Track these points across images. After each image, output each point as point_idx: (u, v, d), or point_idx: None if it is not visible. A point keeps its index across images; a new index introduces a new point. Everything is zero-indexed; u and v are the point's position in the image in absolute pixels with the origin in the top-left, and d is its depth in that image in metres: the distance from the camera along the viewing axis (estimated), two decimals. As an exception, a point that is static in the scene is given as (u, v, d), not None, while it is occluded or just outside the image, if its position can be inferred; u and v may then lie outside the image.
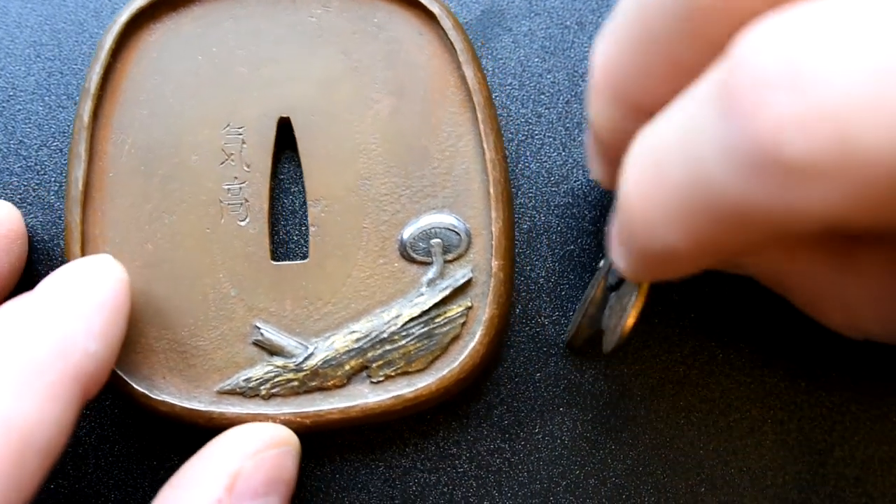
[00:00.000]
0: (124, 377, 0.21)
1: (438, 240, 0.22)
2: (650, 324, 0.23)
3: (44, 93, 0.23)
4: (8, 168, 0.23)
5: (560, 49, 0.24)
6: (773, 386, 0.23)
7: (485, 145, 0.22)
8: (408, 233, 0.22)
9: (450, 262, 0.22)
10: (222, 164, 0.22)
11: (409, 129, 0.22)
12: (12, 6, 0.23)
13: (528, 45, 0.24)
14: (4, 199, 0.22)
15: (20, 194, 0.23)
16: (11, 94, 0.23)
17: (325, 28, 0.22)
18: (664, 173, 0.13)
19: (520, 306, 0.23)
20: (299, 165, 0.22)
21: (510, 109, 0.23)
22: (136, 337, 0.21)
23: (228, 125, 0.22)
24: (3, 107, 0.23)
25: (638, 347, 0.23)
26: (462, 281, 0.22)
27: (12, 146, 0.23)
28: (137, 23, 0.22)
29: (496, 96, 0.23)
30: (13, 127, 0.23)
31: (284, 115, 0.22)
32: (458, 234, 0.22)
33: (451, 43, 0.22)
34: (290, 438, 0.20)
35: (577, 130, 0.23)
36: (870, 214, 0.11)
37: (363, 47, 0.22)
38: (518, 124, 0.23)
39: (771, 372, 0.23)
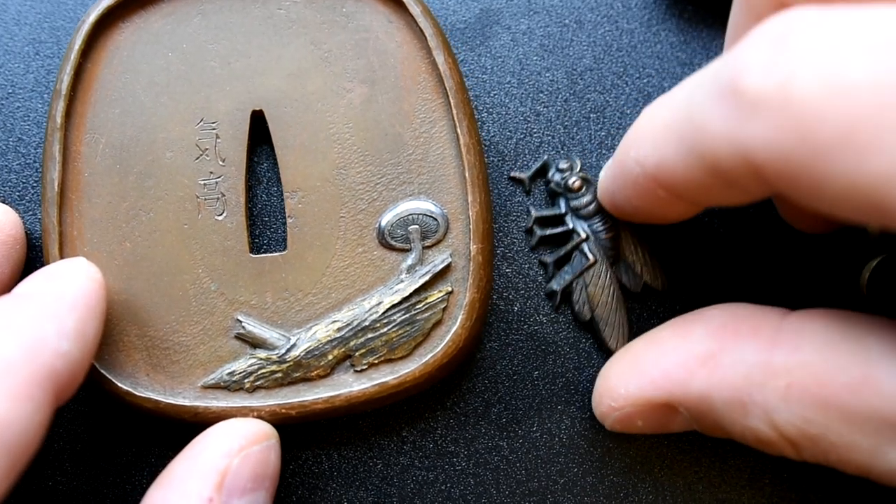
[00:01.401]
0: (108, 376, 0.21)
1: (416, 226, 0.22)
2: (649, 323, 0.23)
3: (42, 90, 0.23)
4: (7, 165, 0.23)
5: (559, 47, 0.24)
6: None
7: (458, 130, 0.22)
8: (385, 220, 0.22)
9: (428, 247, 0.22)
10: (197, 159, 0.22)
11: (382, 117, 0.22)
12: (11, 3, 0.23)
13: (527, 44, 0.24)
14: (3, 196, 0.23)
15: (19, 191, 0.23)
16: (10, 91, 0.23)
17: (294, 19, 0.22)
18: (668, 106, 0.17)
19: (518, 304, 0.23)
20: (274, 157, 0.22)
21: (509, 108, 0.23)
22: (118, 335, 0.21)
23: (202, 120, 0.22)
24: (2, 104, 0.23)
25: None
26: (441, 266, 0.22)
27: (11, 143, 0.23)
28: (106, 22, 0.22)
29: (495, 94, 0.23)
30: (12, 124, 0.23)
31: (257, 108, 0.22)
32: (435, 219, 0.22)
33: (421, 29, 0.22)
34: (272, 432, 0.20)
35: (575, 129, 0.23)
36: (802, 169, 0.14)
37: (333, 37, 0.22)
38: (517, 122, 0.23)
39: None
